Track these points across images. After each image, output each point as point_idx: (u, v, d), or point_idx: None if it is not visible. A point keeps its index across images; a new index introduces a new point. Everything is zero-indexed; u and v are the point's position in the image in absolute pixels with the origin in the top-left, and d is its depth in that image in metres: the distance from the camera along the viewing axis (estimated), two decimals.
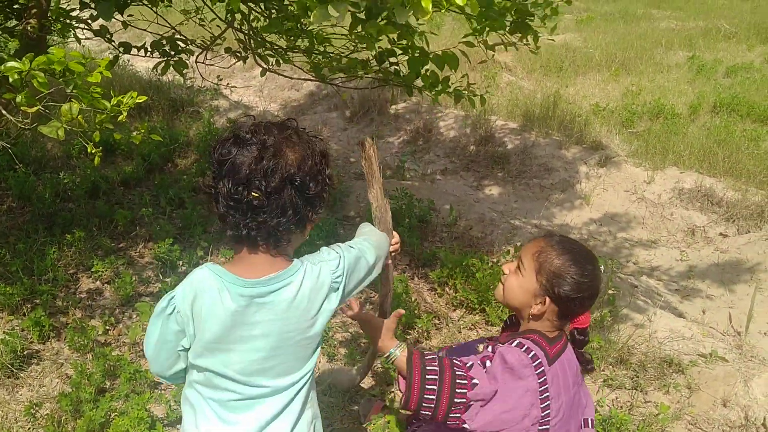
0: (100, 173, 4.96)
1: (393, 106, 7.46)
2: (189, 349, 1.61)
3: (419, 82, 3.57)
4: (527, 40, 3.51)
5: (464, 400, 1.86)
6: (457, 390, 1.86)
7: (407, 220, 4.52)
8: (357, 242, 1.83)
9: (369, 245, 1.84)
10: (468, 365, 1.92)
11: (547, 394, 1.90)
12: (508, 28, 3.25)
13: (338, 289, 1.67)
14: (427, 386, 1.88)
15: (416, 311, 3.63)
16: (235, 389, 1.62)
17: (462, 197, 5.58)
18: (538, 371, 1.89)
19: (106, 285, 3.82)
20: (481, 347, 2.23)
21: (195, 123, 6.60)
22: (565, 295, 1.96)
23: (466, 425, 1.87)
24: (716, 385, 3.11)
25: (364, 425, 2.80)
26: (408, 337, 3.50)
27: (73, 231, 4.04)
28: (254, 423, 1.63)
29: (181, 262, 3.97)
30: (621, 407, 3.00)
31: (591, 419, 2.39)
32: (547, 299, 1.99)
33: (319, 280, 1.62)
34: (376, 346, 2.11)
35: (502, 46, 3.57)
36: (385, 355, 2.06)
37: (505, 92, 7.91)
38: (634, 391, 3.13)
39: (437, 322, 3.65)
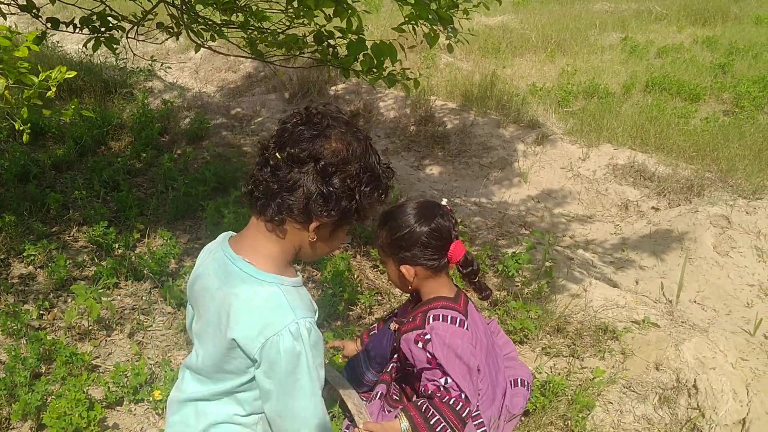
0: (30, 157, 4.80)
1: (333, 88, 7.43)
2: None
3: (357, 66, 3.55)
4: (449, 32, 3.48)
5: (467, 408, 2.14)
6: (457, 410, 2.12)
7: None
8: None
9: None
10: (444, 384, 2.15)
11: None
12: (431, 18, 3.21)
13: (255, 362, 1.43)
14: (436, 429, 2.10)
15: (359, 288, 3.65)
16: None
17: (403, 176, 5.61)
18: (465, 326, 2.19)
19: (39, 269, 3.71)
20: (392, 326, 2.47)
21: (128, 105, 6.44)
22: (411, 253, 2.20)
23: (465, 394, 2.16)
24: (649, 350, 3.22)
25: None
26: (350, 313, 3.52)
27: (2, 215, 3.91)
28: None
29: (117, 245, 3.88)
30: (559, 373, 3.09)
31: (522, 379, 2.57)
32: (408, 266, 2.23)
33: (262, 331, 1.39)
34: None
35: (437, 35, 3.53)
36: None
37: (444, 73, 7.96)
38: (571, 357, 3.22)
39: (379, 297, 3.68)
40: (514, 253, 3.92)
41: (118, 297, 3.54)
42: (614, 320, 3.44)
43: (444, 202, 2.35)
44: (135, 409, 2.81)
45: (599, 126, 6.36)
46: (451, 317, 2.20)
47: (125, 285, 3.64)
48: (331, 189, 1.38)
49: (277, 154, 1.37)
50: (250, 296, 1.42)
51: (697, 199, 5.23)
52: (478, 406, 2.27)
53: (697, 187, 5.34)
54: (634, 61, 9.02)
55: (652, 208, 5.30)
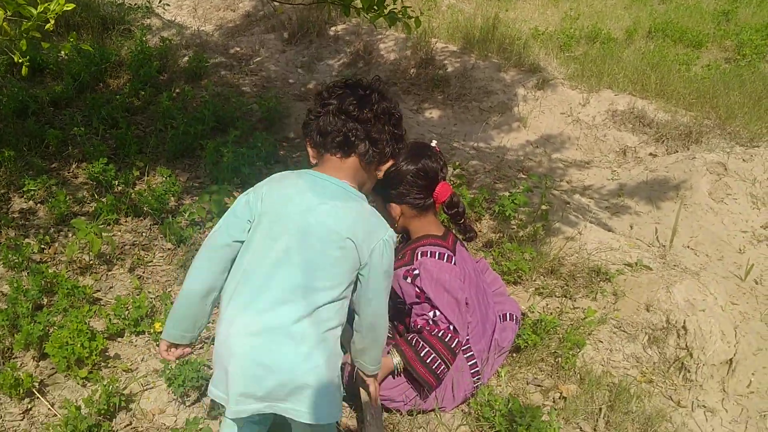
0: (28, 93, 4.77)
1: (332, 28, 7.33)
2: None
3: (357, 3, 3.51)
4: None
5: (456, 339, 2.21)
6: (446, 341, 2.19)
7: None
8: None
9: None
10: (432, 317, 2.22)
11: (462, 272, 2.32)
12: None
13: (363, 266, 1.81)
14: (426, 360, 2.19)
15: None
16: None
17: (403, 119, 5.59)
18: (453, 262, 2.27)
19: (39, 205, 3.74)
20: None
21: (126, 42, 6.36)
22: (397, 192, 2.29)
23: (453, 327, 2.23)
24: (640, 292, 3.28)
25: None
26: None
27: (1, 150, 3.92)
28: None
29: (116, 182, 3.90)
30: (551, 313, 3.15)
31: (511, 314, 2.64)
32: (394, 204, 2.32)
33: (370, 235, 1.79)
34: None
35: None
36: (395, 370, 2.27)
37: (446, 15, 7.86)
38: (564, 298, 3.28)
39: None
40: (510, 193, 3.95)
41: (118, 233, 3.58)
42: (607, 263, 3.49)
43: (433, 143, 2.38)
44: (136, 341, 2.87)
45: (600, 71, 6.31)
46: (439, 253, 2.26)
47: (125, 221, 3.67)
48: (401, 133, 1.93)
49: (367, 112, 1.82)
50: (360, 210, 1.83)
51: (695, 146, 5.23)
52: (468, 339, 2.34)
53: (695, 134, 5.34)
54: (638, 7, 8.92)
55: (650, 154, 5.31)
